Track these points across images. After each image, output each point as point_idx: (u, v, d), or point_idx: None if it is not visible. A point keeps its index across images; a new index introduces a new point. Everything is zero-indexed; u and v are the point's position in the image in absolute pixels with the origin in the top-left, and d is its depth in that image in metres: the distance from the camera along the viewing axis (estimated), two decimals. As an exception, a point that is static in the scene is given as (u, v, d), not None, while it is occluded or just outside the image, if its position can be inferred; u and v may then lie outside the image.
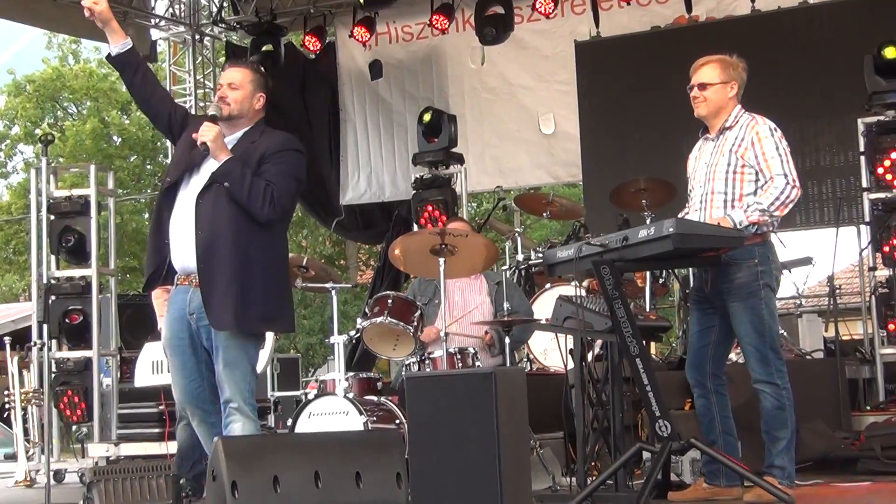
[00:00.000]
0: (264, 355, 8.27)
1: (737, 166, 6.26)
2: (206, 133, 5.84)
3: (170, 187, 6.08)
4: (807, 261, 9.88)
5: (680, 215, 6.51)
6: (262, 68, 6.34)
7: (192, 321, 5.97)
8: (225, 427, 5.98)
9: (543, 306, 9.08)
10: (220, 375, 5.95)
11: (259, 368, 7.89)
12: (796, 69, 11.46)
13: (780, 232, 6.48)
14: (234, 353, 5.92)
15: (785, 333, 9.10)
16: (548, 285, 9.84)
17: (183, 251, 5.93)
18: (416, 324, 8.02)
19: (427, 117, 11.72)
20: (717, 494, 6.36)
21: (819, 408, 8.16)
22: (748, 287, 6.20)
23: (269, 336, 8.38)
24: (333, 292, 8.28)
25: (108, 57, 6.33)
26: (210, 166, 5.95)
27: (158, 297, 8.10)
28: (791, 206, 6.20)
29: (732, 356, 7.46)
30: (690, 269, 9.02)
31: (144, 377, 8.55)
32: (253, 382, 6.03)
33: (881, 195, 9.27)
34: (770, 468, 6.19)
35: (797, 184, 6.18)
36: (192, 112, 14.66)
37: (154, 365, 8.41)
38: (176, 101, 14.58)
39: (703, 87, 6.39)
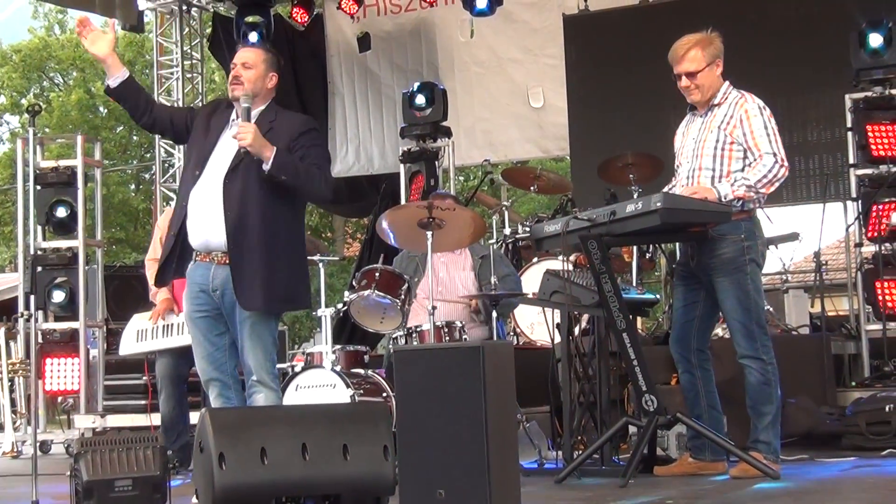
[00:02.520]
0: None
1: (725, 143, 6.26)
2: (244, 136, 5.78)
3: (190, 174, 6.07)
4: (793, 236, 9.90)
5: (665, 190, 6.52)
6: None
7: (214, 297, 6.00)
8: (248, 398, 6.09)
9: (530, 280, 9.09)
10: (243, 350, 6.02)
11: None
12: (784, 44, 11.45)
13: (766, 207, 6.50)
14: (259, 329, 6.00)
15: (771, 309, 9.13)
16: (535, 259, 9.86)
17: (205, 230, 5.92)
18: (403, 297, 8.02)
19: (419, 100, 11.67)
20: (703, 469, 6.39)
21: (804, 383, 8.20)
22: (734, 262, 6.22)
23: None
24: (321, 265, 8.27)
25: (108, 90, 6.26)
26: (225, 146, 5.96)
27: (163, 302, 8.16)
28: (778, 184, 6.22)
29: (718, 331, 7.49)
30: (677, 245, 9.06)
31: (129, 346, 8.54)
32: (274, 355, 6.15)
33: (868, 171, 9.30)
34: (755, 443, 6.23)
35: (785, 163, 6.19)
36: (179, 81, 14.65)
37: (139, 334, 8.39)
38: (162, 72, 14.70)
39: (691, 76, 6.35)
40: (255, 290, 5.88)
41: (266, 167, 5.78)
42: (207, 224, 5.91)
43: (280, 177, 5.81)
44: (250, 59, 6.14)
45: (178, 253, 6.06)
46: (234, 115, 6.09)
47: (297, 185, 5.90)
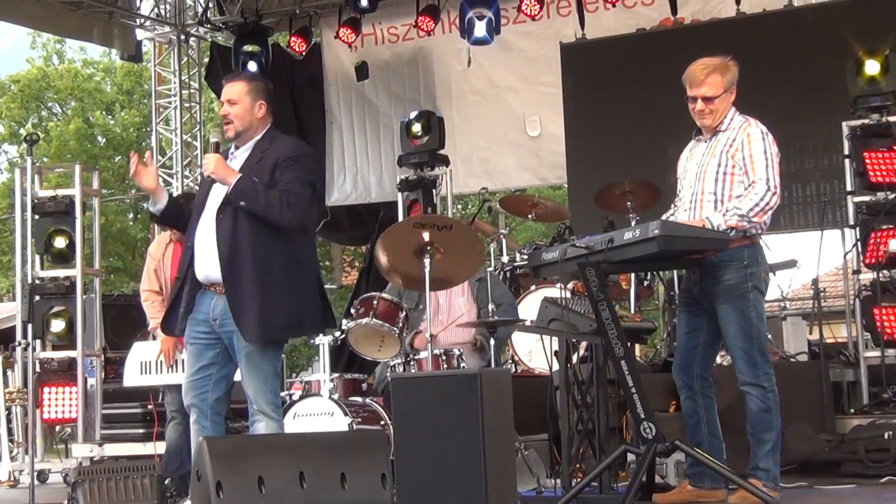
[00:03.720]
0: None
1: (727, 167, 6.25)
2: (207, 165, 5.97)
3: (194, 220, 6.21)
4: (791, 264, 9.90)
5: (666, 216, 6.51)
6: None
7: (215, 325, 6.08)
8: (250, 427, 6.11)
9: (528, 308, 9.08)
10: (244, 379, 6.07)
11: None
12: (781, 71, 11.47)
13: (764, 235, 6.49)
14: (256, 360, 6.03)
15: (769, 336, 9.12)
16: (533, 287, 9.85)
17: (206, 263, 6.05)
18: (401, 325, 8.01)
19: (415, 128, 11.68)
20: (702, 496, 6.37)
21: (803, 411, 8.18)
22: (737, 289, 6.20)
23: None
24: (319, 293, 8.25)
25: (153, 218, 6.55)
26: (219, 185, 6.06)
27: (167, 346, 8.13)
28: (770, 212, 6.19)
29: (718, 358, 7.48)
30: (675, 272, 9.05)
31: (133, 377, 8.53)
32: (276, 385, 6.15)
33: (865, 198, 9.31)
34: (755, 470, 6.20)
35: (777, 190, 6.16)
36: (177, 110, 14.70)
37: (143, 365, 8.39)
38: (160, 101, 14.76)
39: (708, 100, 6.31)
40: (251, 321, 5.92)
41: (228, 193, 5.91)
42: (207, 258, 6.03)
43: (239, 202, 5.90)
44: (234, 95, 6.15)
45: (185, 300, 6.17)
46: (230, 154, 6.20)
47: (258, 212, 5.93)
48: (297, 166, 6.06)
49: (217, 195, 6.06)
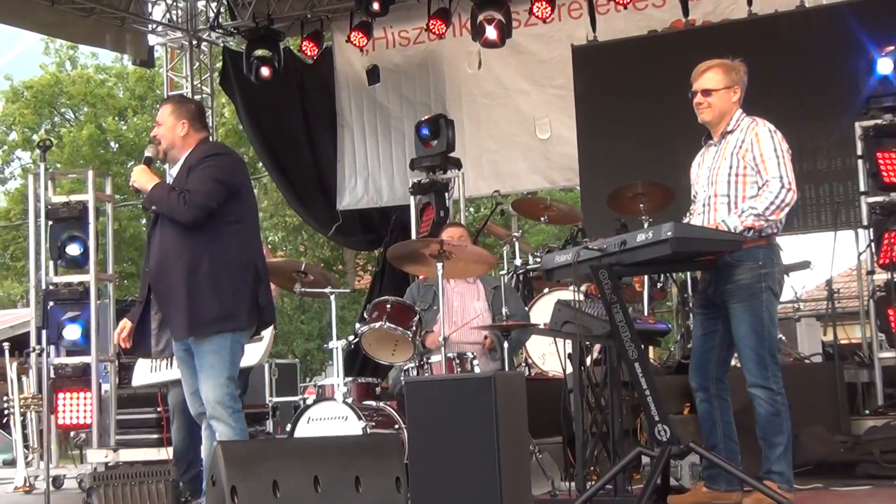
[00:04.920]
0: (259, 350, 8.27)
1: (738, 168, 6.25)
2: (133, 177, 6.39)
3: None
4: (805, 265, 9.88)
5: (683, 221, 6.51)
6: (186, 96, 6.79)
7: None
8: (205, 430, 6.27)
9: (542, 311, 9.08)
10: (200, 386, 6.24)
11: (254, 361, 7.96)
12: (793, 72, 11.45)
13: (778, 236, 6.47)
14: (208, 360, 6.21)
15: (783, 338, 9.10)
16: (546, 290, 9.85)
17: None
18: (414, 329, 8.01)
19: (429, 131, 11.71)
20: (717, 498, 6.36)
21: (818, 412, 8.16)
22: (750, 288, 6.18)
23: (267, 332, 8.39)
24: (332, 297, 8.27)
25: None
26: None
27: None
28: (787, 209, 6.18)
29: (733, 361, 7.46)
30: (689, 274, 9.03)
31: (142, 376, 8.56)
32: (229, 385, 6.23)
33: (879, 198, 9.29)
34: (769, 473, 6.19)
35: (793, 187, 6.16)
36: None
37: (153, 365, 8.41)
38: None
39: (707, 93, 6.37)
40: (178, 319, 6.17)
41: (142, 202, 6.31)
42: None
43: (150, 207, 6.30)
44: (159, 117, 6.51)
45: (154, 322, 6.39)
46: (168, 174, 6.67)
47: (164, 212, 6.26)
48: (203, 166, 6.30)
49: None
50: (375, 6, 12.98)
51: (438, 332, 7.70)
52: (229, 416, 6.16)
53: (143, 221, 30.24)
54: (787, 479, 6.19)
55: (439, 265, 7.52)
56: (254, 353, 7.80)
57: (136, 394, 9.51)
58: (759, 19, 11.89)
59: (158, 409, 9.28)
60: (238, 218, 6.39)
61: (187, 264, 6.15)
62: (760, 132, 6.25)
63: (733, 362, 7.44)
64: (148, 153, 6.44)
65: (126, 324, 6.49)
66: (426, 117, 12.07)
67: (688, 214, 6.60)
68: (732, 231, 6.09)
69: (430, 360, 7.92)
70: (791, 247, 9.15)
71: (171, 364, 8.29)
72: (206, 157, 6.35)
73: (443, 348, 7.59)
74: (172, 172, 6.50)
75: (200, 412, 6.31)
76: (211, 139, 6.76)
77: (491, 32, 12.54)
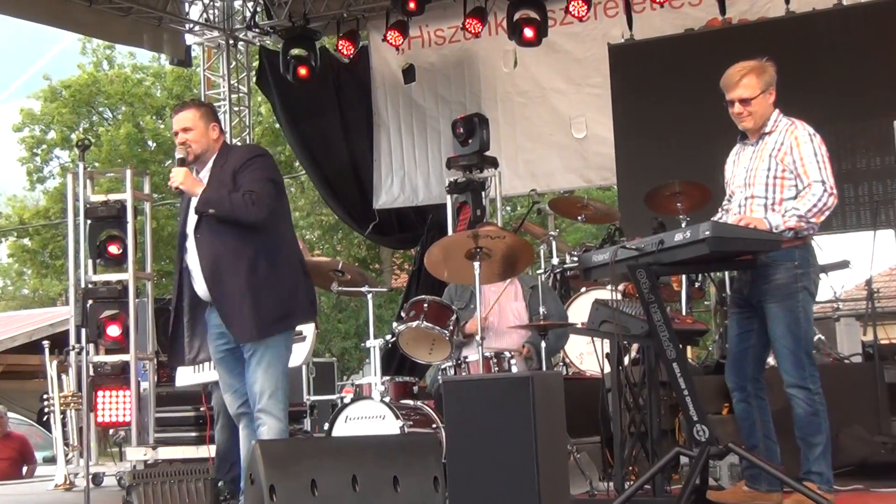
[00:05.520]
0: (304, 350, 8.32)
1: (777, 171, 6.21)
2: (175, 178, 6.29)
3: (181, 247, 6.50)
4: (844, 264, 9.82)
5: (716, 218, 6.48)
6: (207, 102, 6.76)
7: (229, 334, 6.33)
8: (255, 430, 6.24)
9: (579, 310, 9.07)
10: (250, 379, 6.25)
11: (299, 361, 8.00)
12: (831, 71, 11.38)
13: (816, 235, 6.44)
14: (268, 357, 6.24)
15: (822, 338, 9.05)
16: (583, 289, 9.84)
17: (199, 281, 6.36)
18: (451, 328, 8.02)
19: (465, 130, 11.72)
20: (757, 498, 6.33)
21: (858, 412, 8.11)
22: (786, 288, 6.16)
23: (310, 332, 8.43)
24: (369, 296, 8.29)
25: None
26: (191, 210, 6.35)
27: None
28: (828, 212, 6.15)
29: (770, 360, 7.42)
30: (727, 273, 9.00)
31: (186, 377, 8.61)
32: (283, 382, 6.31)
33: (918, 197, 9.24)
34: (808, 474, 6.15)
35: (834, 191, 6.12)
36: (227, 114, 14.81)
37: (196, 366, 8.46)
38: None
39: (745, 102, 6.29)
40: (242, 321, 6.17)
41: (194, 205, 6.20)
42: (199, 277, 6.33)
43: (207, 210, 6.19)
44: (188, 122, 6.44)
45: (190, 330, 6.46)
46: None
47: (227, 215, 6.20)
48: (253, 167, 6.32)
49: (191, 219, 6.36)
50: (411, 5, 12.99)
51: (477, 320, 7.69)
52: (280, 411, 6.22)
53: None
54: (827, 479, 6.16)
55: (476, 265, 7.51)
56: (298, 355, 7.82)
57: (174, 392, 9.57)
58: (796, 17, 11.83)
59: (199, 408, 9.33)
60: (284, 216, 6.52)
61: (247, 265, 6.18)
62: (800, 136, 6.21)
63: (771, 362, 7.42)
64: (180, 155, 6.39)
65: None
66: (462, 116, 12.07)
67: (720, 211, 6.57)
68: (773, 229, 6.06)
69: (467, 359, 7.93)
70: (830, 246, 9.11)
71: (214, 365, 8.33)
72: (252, 157, 6.38)
73: (479, 348, 7.59)
74: (200, 176, 6.46)
75: (239, 411, 6.34)
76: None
77: (527, 31, 12.53)
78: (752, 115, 6.31)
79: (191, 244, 6.35)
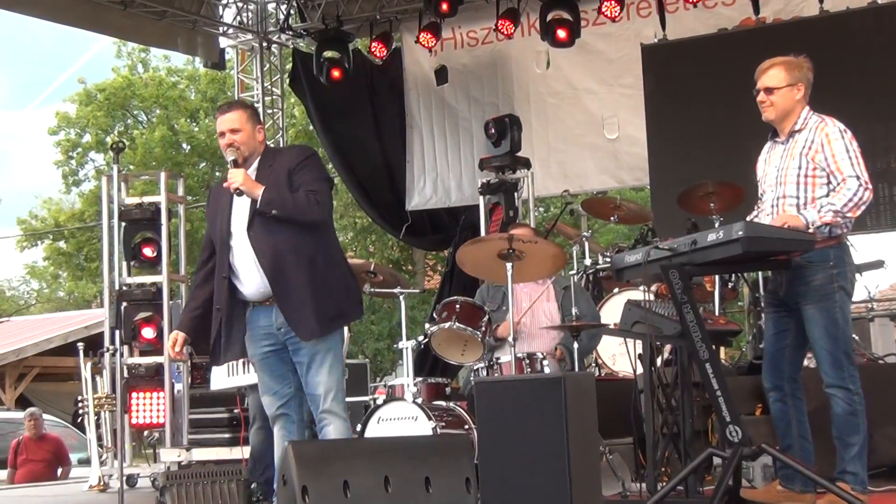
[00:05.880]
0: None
1: (808, 169, 6.19)
2: (235, 179, 6.22)
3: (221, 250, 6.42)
4: (879, 264, 9.77)
5: (748, 219, 6.45)
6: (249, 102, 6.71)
7: (280, 335, 6.29)
8: (320, 431, 6.24)
9: (612, 311, 9.06)
10: (312, 381, 6.23)
11: None
12: (865, 70, 11.31)
13: (850, 235, 6.40)
14: (321, 358, 6.23)
15: (857, 338, 8.99)
16: (616, 290, 9.82)
17: (253, 282, 6.29)
18: (484, 329, 8.02)
19: (498, 131, 11.74)
20: (790, 499, 6.30)
21: (892, 413, 8.04)
22: (823, 289, 6.13)
23: (343, 333, 8.46)
24: (402, 297, 8.30)
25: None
26: (238, 209, 6.34)
27: None
28: (864, 207, 6.11)
29: (805, 361, 7.38)
30: (760, 273, 8.96)
31: (220, 380, 8.64)
32: (343, 383, 6.35)
33: (954, 197, 9.17)
34: (843, 474, 6.13)
35: (869, 185, 6.09)
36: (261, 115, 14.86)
37: (230, 368, 8.47)
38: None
39: (769, 91, 6.32)
40: (306, 319, 6.16)
41: (257, 206, 6.14)
42: (254, 276, 6.27)
43: (271, 211, 6.13)
44: (236, 123, 6.41)
45: (236, 325, 6.37)
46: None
47: (289, 216, 6.18)
48: (310, 166, 6.34)
49: (240, 216, 6.32)
50: (444, 7, 12.98)
51: (509, 323, 7.70)
52: (343, 411, 6.26)
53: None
54: (861, 480, 6.13)
55: (509, 265, 7.52)
56: None
57: (208, 393, 9.60)
58: (831, 16, 11.76)
59: (232, 409, 9.36)
60: (331, 216, 6.55)
61: (307, 262, 6.18)
62: (831, 132, 6.19)
63: (807, 363, 7.38)
64: (232, 157, 6.33)
65: (178, 335, 6.51)
66: (495, 117, 12.07)
67: (756, 209, 6.55)
68: (810, 225, 6.02)
69: (499, 361, 7.93)
70: (864, 246, 9.07)
71: (248, 368, 8.34)
72: (307, 157, 6.39)
73: (512, 349, 7.59)
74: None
75: (278, 413, 6.33)
76: None
77: (560, 32, 12.52)
78: (774, 105, 6.31)
79: (240, 243, 6.30)
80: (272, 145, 13.82)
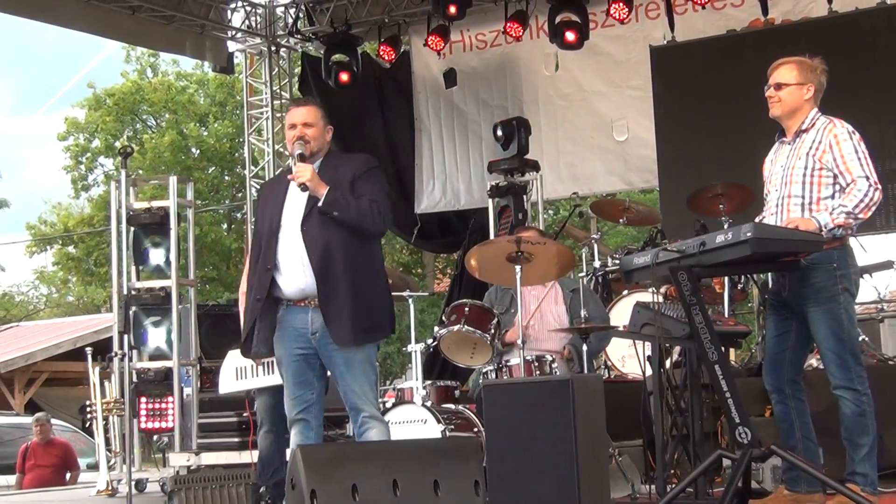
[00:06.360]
0: None
1: (814, 169, 6.18)
2: (302, 173, 6.10)
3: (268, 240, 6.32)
4: (888, 265, 9.74)
5: (756, 220, 6.44)
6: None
7: (313, 340, 6.20)
8: (360, 435, 6.21)
9: (621, 313, 9.04)
10: (349, 387, 6.19)
11: None
12: (874, 71, 11.29)
13: (860, 236, 6.39)
14: (363, 364, 6.19)
15: (867, 338, 8.97)
16: (625, 292, 9.80)
17: (297, 278, 6.18)
18: (493, 331, 8.01)
19: (506, 134, 11.74)
20: (799, 501, 6.29)
21: (902, 414, 8.03)
22: (827, 291, 6.11)
23: None
24: (411, 301, 8.29)
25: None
26: (293, 202, 6.25)
27: None
28: (874, 208, 6.10)
29: (812, 362, 7.37)
30: (769, 274, 8.94)
31: (229, 384, 8.62)
32: (377, 388, 6.40)
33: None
34: (852, 475, 6.11)
35: (879, 186, 6.09)
36: (269, 121, 14.87)
37: (238, 371, 8.45)
38: (252, 112, 15.03)
39: (778, 87, 6.32)
40: (345, 325, 6.07)
41: (319, 204, 6.07)
42: (297, 273, 6.17)
43: (332, 213, 6.07)
44: (310, 118, 6.39)
45: (266, 321, 6.27)
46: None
47: (349, 221, 6.12)
48: (375, 178, 6.34)
49: (294, 210, 6.23)
50: (452, 10, 12.98)
51: (518, 328, 7.70)
52: (380, 413, 6.27)
53: (225, 226, 30.57)
54: (871, 481, 6.11)
55: (517, 268, 7.51)
56: None
57: (217, 397, 9.59)
58: (840, 17, 11.74)
59: (241, 413, 9.35)
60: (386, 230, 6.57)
61: (355, 270, 6.11)
62: (839, 133, 6.17)
63: (816, 364, 7.36)
64: (300, 150, 6.24)
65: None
66: (503, 120, 12.07)
67: (764, 210, 6.54)
68: (823, 227, 6.01)
69: (508, 363, 7.92)
70: (874, 247, 9.03)
71: (257, 371, 8.32)
72: (373, 167, 6.39)
73: (521, 351, 7.58)
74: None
75: (297, 417, 6.27)
76: None
77: (568, 35, 12.51)
78: (782, 102, 6.32)
79: (289, 238, 6.20)
80: (281, 150, 13.84)
